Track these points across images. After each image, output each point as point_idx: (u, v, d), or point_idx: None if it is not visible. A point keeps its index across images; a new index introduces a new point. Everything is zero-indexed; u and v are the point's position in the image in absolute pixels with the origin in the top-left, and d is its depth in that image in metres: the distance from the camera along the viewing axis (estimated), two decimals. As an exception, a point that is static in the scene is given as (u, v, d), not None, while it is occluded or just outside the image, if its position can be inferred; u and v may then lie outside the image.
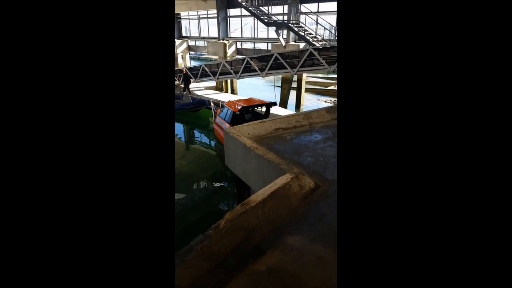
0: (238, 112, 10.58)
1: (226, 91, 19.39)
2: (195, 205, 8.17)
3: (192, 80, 16.77)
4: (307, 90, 19.65)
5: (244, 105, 10.52)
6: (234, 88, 20.02)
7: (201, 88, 19.11)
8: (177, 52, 22.55)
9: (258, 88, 22.79)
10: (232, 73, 15.67)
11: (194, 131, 15.51)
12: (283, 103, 16.87)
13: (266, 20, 15.41)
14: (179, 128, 15.42)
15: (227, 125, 10.84)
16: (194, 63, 26.81)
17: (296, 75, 16.30)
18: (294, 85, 17.84)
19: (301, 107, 17.52)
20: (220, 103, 15.21)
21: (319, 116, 5.30)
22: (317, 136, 4.67)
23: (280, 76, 16.54)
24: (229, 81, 19.28)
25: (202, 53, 22.43)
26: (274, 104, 10.95)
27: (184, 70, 17.03)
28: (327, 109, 5.42)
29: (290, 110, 14.38)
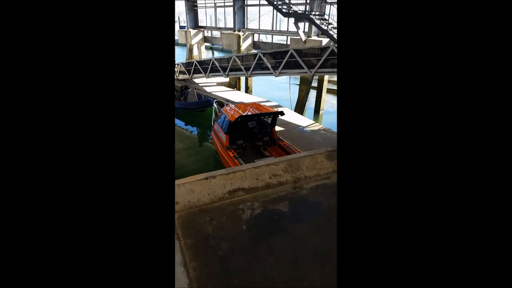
0: (239, 120, 8.61)
1: (239, 89, 17.45)
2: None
3: (189, 90, 15.25)
4: (330, 91, 17.20)
5: (243, 114, 8.55)
6: (248, 86, 18.02)
7: (213, 84, 17.31)
8: (192, 43, 20.86)
9: (276, 86, 20.59)
10: (243, 69, 13.68)
11: (198, 132, 13.75)
12: (300, 107, 14.66)
13: (284, 10, 13.20)
14: (182, 130, 13.76)
15: (224, 136, 8.97)
16: (218, 55, 25.13)
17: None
18: (315, 84, 15.56)
19: (321, 112, 15.22)
20: (225, 103, 13.34)
21: (313, 164, 3.26)
22: (299, 218, 2.63)
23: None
24: (242, 77, 17.31)
25: (218, 45, 20.53)
26: (281, 113, 8.88)
27: (182, 87, 15.47)
28: (328, 154, 3.35)
29: (306, 118, 12.19)
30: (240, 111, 8.77)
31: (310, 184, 3.09)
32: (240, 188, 2.88)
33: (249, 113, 8.74)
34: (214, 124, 10.32)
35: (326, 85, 15.02)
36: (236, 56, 13.86)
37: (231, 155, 8.22)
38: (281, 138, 9.41)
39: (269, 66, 12.51)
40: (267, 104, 13.57)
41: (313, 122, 11.58)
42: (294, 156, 3.29)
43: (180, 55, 30.12)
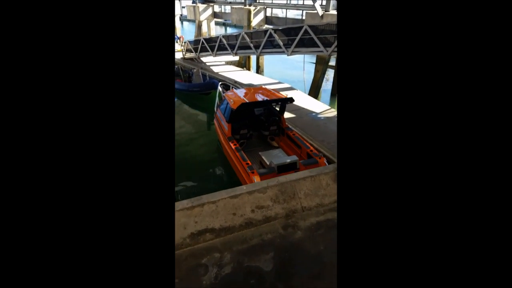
0: (242, 108, 7.63)
1: (249, 69, 16.33)
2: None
3: (193, 71, 14.23)
4: (348, 71, 15.78)
5: (247, 101, 7.59)
6: (260, 65, 16.84)
7: (222, 63, 16.28)
8: (201, 19, 19.62)
9: (290, 64, 19.23)
10: (252, 47, 12.56)
11: (202, 117, 12.91)
12: (315, 90, 13.48)
13: (299, -20, 11.82)
14: (184, 112, 12.96)
15: (226, 124, 8.09)
16: (231, 32, 23.80)
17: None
18: (333, 62, 14.27)
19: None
20: (231, 86, 12.36)
21: (315, 189, 2.37)
22: (287, 284, 1.78)
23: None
24: (253, 56, 16.14)
25: (229, 21, 19.20)
26: (291, 100, 7.84)
27: (190, 70, 14.51)
28: (337, 174, 2.44)
29: (321, 103, 11.09)
30: (242, 97, 7.81)
31: (308, 221, 2.22)
32: (209, 228, 2.05)
33: (256, 100, 7.78)
34: (216, 110, 9.44)
35: (344, 65, 13.70)
36: (245, 32, 12.71)
37: (233, 147, 7.37)
38: (290, 127, 8.45)
39: (281, 44, 11.35)
40: (279, 86, 12.52)
41: (328, 107, 10.48)
42: (289, 177, 2.41)
43: (192, 32, 28.87)
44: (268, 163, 6.91)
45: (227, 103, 7.98)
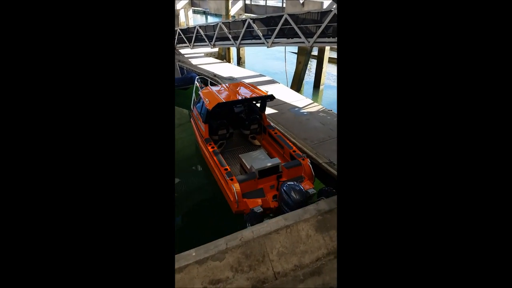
0: (219, 108, 6.89)
1: (229, 61, 15.50)
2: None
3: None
4: (332, 60, 15.15)
5: (224, 101, 6.87)
6: (240, 56, 16.03)
7: (201, 55, 15.40)
8: (177, 8, 18.49)
9: (272, 55, 18.44)
10: (231, 38, 11.77)
11: (180, 114, 12.13)
12: (297, 83, 12.84)
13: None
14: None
15: (203, 125, 7.39)
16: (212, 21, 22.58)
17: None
18: (316, 52, 13.62)
19: (321, 87, 13.40)
20: (209, 80, 11.59)
21: (292, 245, 1.77)
22: None
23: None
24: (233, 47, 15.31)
25: (208, 9, 18.15)
26: (271, 98, 7.18)
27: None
28: (320, 220, 1.84)
29: (303, 97, 10.49)
30: (219, 96, 7.10)
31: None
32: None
33: (235, 98, 7.10)
34: (193, 108, 8.72)
35: (327, 55, 13.08)
36: (223, 23, 11.88)
37: (210, 150, 6.70)
38: (272, 125, 7.84)
39: (260, 34, 10.62)
40: (260, 79, 11.86)
41: (311, 102, 9.92)
42: (257, 231, 1.80)
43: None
44: (248, 167, 6.31)
45: (203, 102, 7.27)
